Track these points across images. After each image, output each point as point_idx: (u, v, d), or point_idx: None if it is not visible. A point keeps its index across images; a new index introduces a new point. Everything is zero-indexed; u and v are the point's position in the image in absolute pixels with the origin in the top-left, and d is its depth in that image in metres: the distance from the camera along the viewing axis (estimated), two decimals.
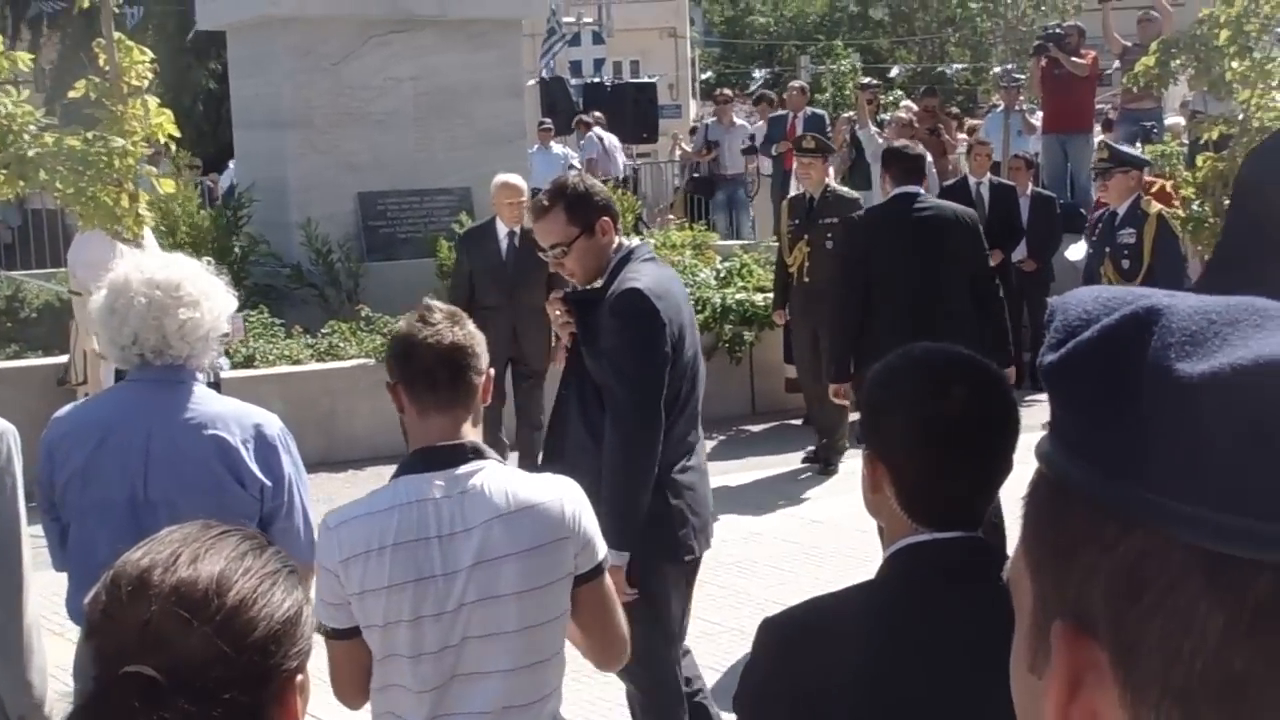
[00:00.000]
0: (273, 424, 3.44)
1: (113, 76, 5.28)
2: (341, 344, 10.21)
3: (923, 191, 7.31)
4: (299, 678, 1.59)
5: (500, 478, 2.85)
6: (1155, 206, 8.08)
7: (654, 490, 4.18)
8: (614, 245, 4.26)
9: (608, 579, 3.01)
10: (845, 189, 10.28)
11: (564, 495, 2.91)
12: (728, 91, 19.27)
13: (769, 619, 2.09)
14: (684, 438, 4.31)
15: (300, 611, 1.61)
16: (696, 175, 17.95)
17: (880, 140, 13.35)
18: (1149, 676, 0.67)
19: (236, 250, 11.51)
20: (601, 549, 2.98)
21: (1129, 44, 13.32)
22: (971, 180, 11.60)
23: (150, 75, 5.44)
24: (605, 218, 4.25)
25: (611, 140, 18.29)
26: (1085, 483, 0.70)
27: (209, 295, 3.39)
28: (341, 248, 11.68)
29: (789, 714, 1.99)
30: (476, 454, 2.86)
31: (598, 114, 18.59)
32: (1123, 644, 0.68)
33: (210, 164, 18.41)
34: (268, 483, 3.36)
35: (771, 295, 10.45)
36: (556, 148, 18.13)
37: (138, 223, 5.29)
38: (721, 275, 11.68)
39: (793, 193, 10.44)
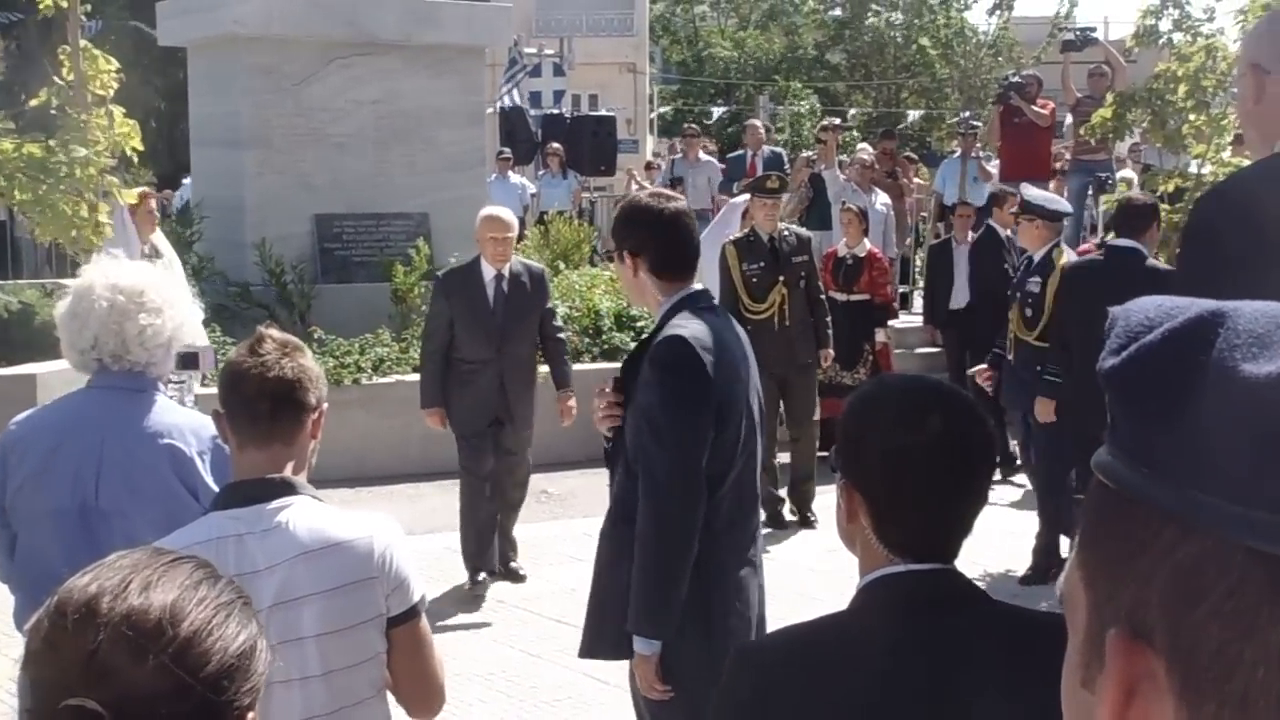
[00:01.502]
0: None
1: (77, 85, 5.24)
2: None
3: (1143, 248, 7.11)
4: (250, 716, 1.52)
5: (308, 514, 2.71)
6: (1064, 259, 8.07)
7: (693, 575, 3.63)
8: (658, 286, 3.75)
9: (423, 623, 2.84)
10: (798, 227, 10.12)
11: (375, 533, 2.75)
12: (694, 126, 19.32)
13: (743, 647, 2.08)
14: (733, 521, 3.75)
15: (255, 645, 1.53)
16: None
17: (842, 180, 13.41)
18: (1206, 685, 0.66)
19: (189, 267, 11.41)
20: (417, 591, 2.81)
21: (1081, 95, 13.49)
22: (1002, 232, 10.86)
23: (115, 85, 5.39)
24: (632, 252, 3.78)
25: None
26: (1144, 487, 0.69)
27: (172, 304, 3.37)
28: (295, 269, 11.61)
29: None
30: (288, 489, 2.72)
31: (556, 145, 18.60)
32: (1179, 652, 0.67)
33: (165, 182, 18.29)
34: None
35: None
36: (514, 177, 18.12)
37: (97, 233, 5.23)
38: None
39: (734, 234, 10.05)
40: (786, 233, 9.38)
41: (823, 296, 9.54)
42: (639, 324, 11.58)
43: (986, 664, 1.97)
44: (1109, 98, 9.32)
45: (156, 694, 1.42)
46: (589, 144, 19.15)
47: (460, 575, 7.68)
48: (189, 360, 3.58)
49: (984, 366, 8.45)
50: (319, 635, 2.67)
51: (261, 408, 2.71)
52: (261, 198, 11.94)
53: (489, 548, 7.78)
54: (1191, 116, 8.22)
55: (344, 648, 2.71)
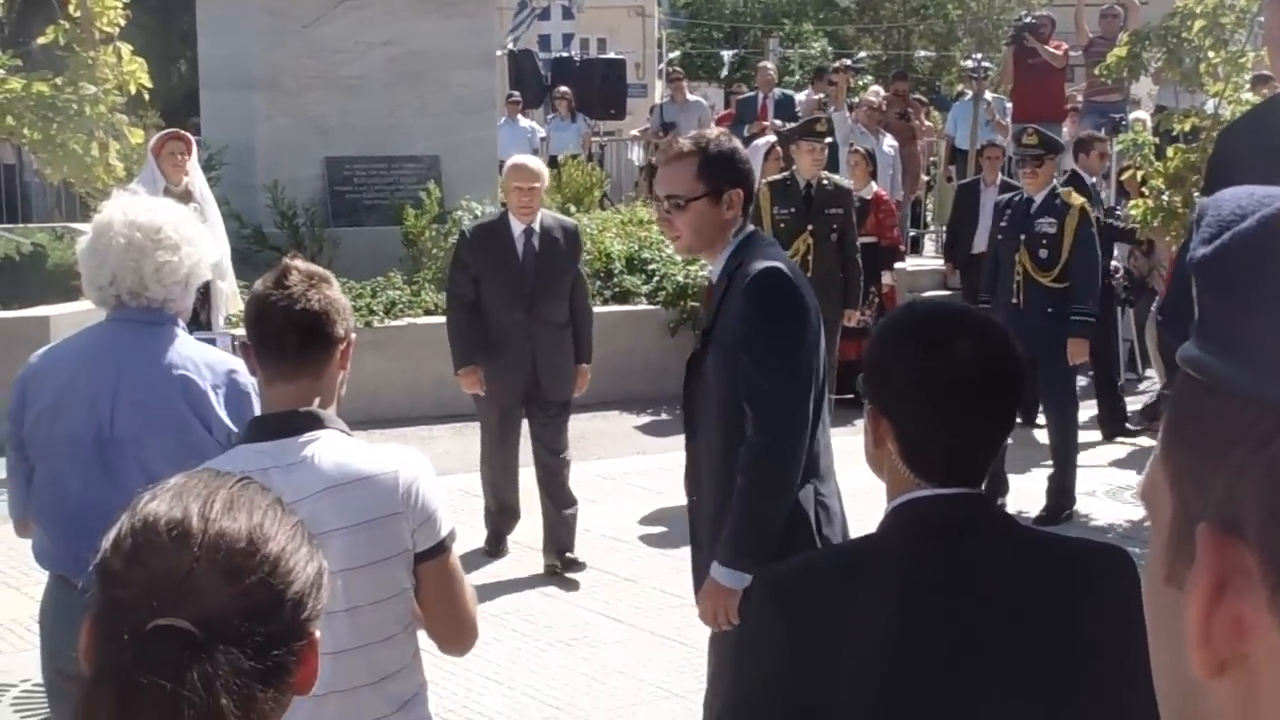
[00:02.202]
0: (245, 371, 3.39)
1: (84, 23, 5.20)
2: None
3: None
4: (315, 635, 1.54)
5: (336, 448, 2.69)
6: (1077, 199, 8.03)
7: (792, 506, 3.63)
8: (735, 226, 3.76)
9: (453, 558, 2.81)
10: (840, 177, 9.73)
11: (401, 467, 2.72)
12: (678, 69, 19.20)
13: (766, 572, 2.08)
14: (826, 445, 3.79)
15: (322, 567, 1.56)
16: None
17: (850, 122, 13.34)
18: None
19: None
20: (445, 525, 2.78)
21: (1094, 36, 13.39)
22: (1089, 179, 10.26)
23: (122, 22, 5.34)
24: (739, 189, 3.75)
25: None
26: (1238, 378, 0.68)
27: (190, 241, 3.38)
28: (307, 212, 11.58)
29: (787, 664, 1.97)
30: (315, 423, 2.69)
31: (565, 89, 18.50)
32: (1275, 544, 0.66)
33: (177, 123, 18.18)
34: (236, 430, 3.32)
35: None
36: (524, 121, 18.03)
37: (108, 172, 5.21)
38: None
39: (771, 176, 9.73)
40: (826, 182, 9.10)
41: (858, 255, 9.25)
42: (650, 267, 11.57)
43: (1012, 589, 1.97)
44: (1123, 37, 9.23)
45: (248, 612, 1.43)
46: (598, 87, 19.03)
47: (473, 516, 7.70)
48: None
49: None
50: (344, 570, 2.59)
51: (289, 340, 2.68)
52: (272, 140, 11.89)
53: (511, 509, 7.41)
54: (1210, 54, 8.14)
55: (370, 583, 2.68)
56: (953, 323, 2.07)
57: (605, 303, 11.12)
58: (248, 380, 3.37)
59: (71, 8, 5.41)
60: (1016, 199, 8.26)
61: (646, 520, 7.88)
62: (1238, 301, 0.69)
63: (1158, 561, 0.74)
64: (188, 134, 8.62)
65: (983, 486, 2.06)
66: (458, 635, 2.87)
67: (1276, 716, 0.67)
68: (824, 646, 1.96)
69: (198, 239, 3.41)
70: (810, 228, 8.89)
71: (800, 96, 15.71)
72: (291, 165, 11.76)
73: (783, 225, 8.85)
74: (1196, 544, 0.69)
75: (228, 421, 3.33)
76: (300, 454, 2.66)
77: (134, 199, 3.47)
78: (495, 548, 7.35)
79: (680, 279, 11.20)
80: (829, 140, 9.06)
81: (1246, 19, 7.97)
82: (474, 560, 7.13)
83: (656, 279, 11.42)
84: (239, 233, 11.47)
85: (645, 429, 10.46)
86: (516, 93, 18.48)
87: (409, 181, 12.09)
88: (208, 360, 3.41)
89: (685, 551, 7.27)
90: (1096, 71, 10.34)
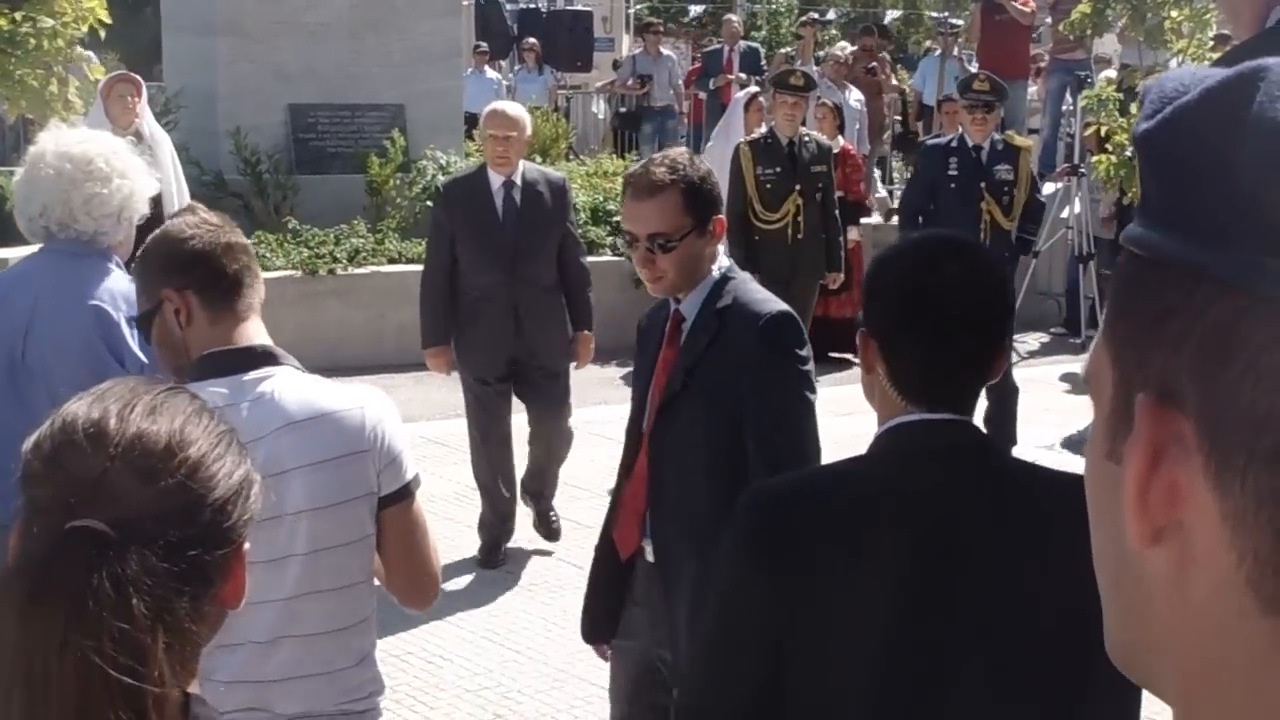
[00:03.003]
0: None
1: None
2: (269, 255, 10.05)
3: None
4: (245, 547, 1.52)
5: (294, 384, 2.60)
6: (1023, 141, 8.12)
7: None
8: (716, 256, 3.44)
9: (417, 505, 2.68)
10: (819, 134, 9.39)
11: (366, 405, 2.62)
12: (656, 21, 19.10)
13: (754, 488, 2.10)
14: None
15: (250, 475, 1.54)
16: (624, 110, 17.73)
17: (818, 78, 13.30)
18: (1237, 443, 0.65)
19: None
20: (410, 469, 2.66)
21: None
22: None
23: None
24: (720, 214, 3.45)
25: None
26: (1179, 250, 0.68)
27: (123, 174, 3.33)
28: (270, 159, 11.47)
29: (769, 612, 1.98)
30: (270, 359, 2.62)
31: (532, 40, 18.38)
32: (1211, 411, 0.66)
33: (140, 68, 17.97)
34: (148, 363, 3.27)
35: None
36: (490, 72, 17.91)
37: (67, 108, 5.15)
38: None
39: (751, 134, 9.34)
40: (807, 138, 8.75)
41: (837, 213, 8.98)
42: (615, 219, 11.54)
43: (996, 515, 2.00)
44: None
45: (164, 515, 1.42)
46: (565, 39, 18.91)
47: (438, 465, 7.69)
48: None
49: None
50: (306, 511, 2.55)
51: (243, 276, 2.63)
52: (235, 86, 11.76)
53: (509, 519, 6.77)
54: (1173, 12, 8.17)
55: (333, 525, 2.58)
56: (942, 246, 2.11)
57: None
58: None
59: None
60: (953, 144, 8.13)
61: (609, 469, 7.88)
62: (1179, 173, 0.69)
63: (1099, 439, 0.75)
64: (136, 76, 8.51)
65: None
66: (420, 586, 2.74)
67: (1208, 581, 0.67)
68: (813, 558, 1.96)
69: (132, 172, 3.35)
70: (798, 187, 8.52)
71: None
72: (254, 112, 11.65)
73: (769, 186, 8.50)
74: (1135, 415, 0.69)
75: (139, 355, 3.28)
76: (257, 390, 2.57)
77: (69, 131, 3.43)
78: (491, 558, 6.62)
79: None
80: (808, 94, 8.71)
81: None
82: (438, 509, 7.14)
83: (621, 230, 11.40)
84: (199, 179, 11.35)
85: (608, 380, 10.46)
86: (484, 43, 18.35)
87: (373, 130, 12.00)
88: (126, 293, 3.32)
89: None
90: (1060, 28, 10.35)
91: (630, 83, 17.44)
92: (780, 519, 2.02)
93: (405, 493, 2.66)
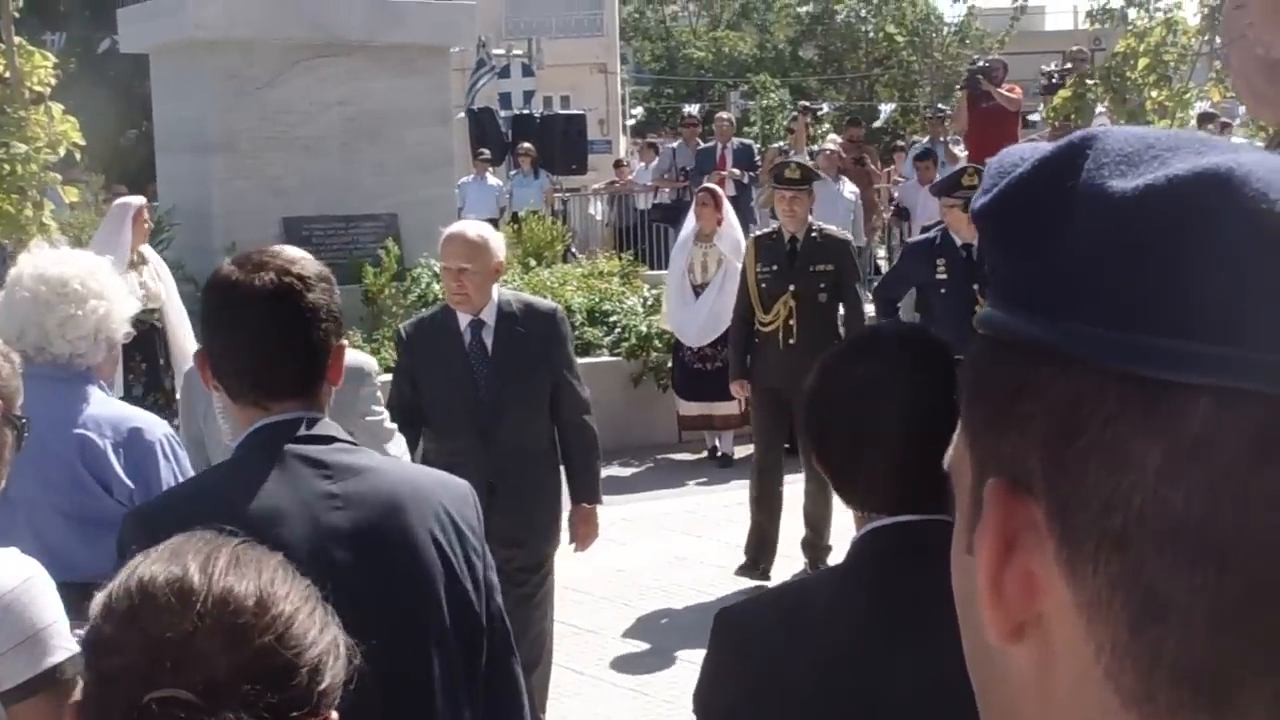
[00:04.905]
0: (155, 429, 3.30)
1: (14, 82, 5.19)
2: None
3: None
4: (334, 717, 1.37)
5: None
6: None
7: None
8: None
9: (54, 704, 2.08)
10: (835, 228, 8.34)
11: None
12: (694, 115, 19.03)
13: (727, 608, 2.05)
14: None
15: (338, 638, 1.39)
16: (662, 203, 17.31)
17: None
18: (1086, 524, 0.62)
19: None
20: (59, 652, 2.16)
21: (1056, 76, 13.51)
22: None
23: (53, 81, 5.34)
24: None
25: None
26: (1022, 327, 0.65)
27: (99, 295, 3.30)
28: None
29: (749, 699, 1.93)
30: None
31: (527, 145, 18.56)
32: (1059, 492, 0.63)
33: (136, 188, 18.18)
34: (137, 489, 3.23)
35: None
36: (492, 179, 18.07)
37: (42, 231, 5.19)
38: (649, 303, 11.74)
39: (764, 229, 8.82)
40: (815, 233, 7.79)
41: (862, 309, 7.95)
42: (611, 319, 11.58)
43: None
44: (1069, 80, 9.33)
45: (257, 677, 1.28)
46: (559, 143, 19.14)
47: None
48: None
49: None
50: None
51: None
52: (230, 203, 11.87)
53: None
54: (1153, 93, 8.23)
55: None
56: (860, 345, 2.06)
57: None
58: (154, 437, 3.28)
59: (1, 68, 5.38)
60: (938, 242, 7.56)
61: (607, 571, 7.83)
62: (1017, 248, 0.67)
63: (960, 532, 0.72)
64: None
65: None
66: None
67: (1069, 673, 0.64)
68: (788, 672, 1.92)
69: (109, 292, 3.33)
70: (792, 288, 7.63)
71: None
72: (249, 227, 11.72)
73: (763, 286, 7.75)
74: (985, 501, 0.66)
75: (126, 480, 3.22)
76: None
77: (47, 252, 3.42)
78: None
79: (643, 329, 11.23)
80: (807, 186, 7.85)
81: (1189, 55, 8.07)
82: None
83: (618, 330, 11.43)
84: (195, 295, 11.42)
85: (614, 482, 10.41)
86: (485, 150, 18.53)
87: (367, 240, 12.09)
88: (111, 418, 3.30)
89: (647, 602, 7.27)
90: (1046, 114, 10.44)
91: (666, 175, 17.12)
92: (748, 632, 2.00)
93: (32, 687, 2.12)
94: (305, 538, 2.13)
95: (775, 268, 7.70)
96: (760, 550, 7.57)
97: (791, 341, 7.56)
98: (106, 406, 3.36)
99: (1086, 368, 0.62)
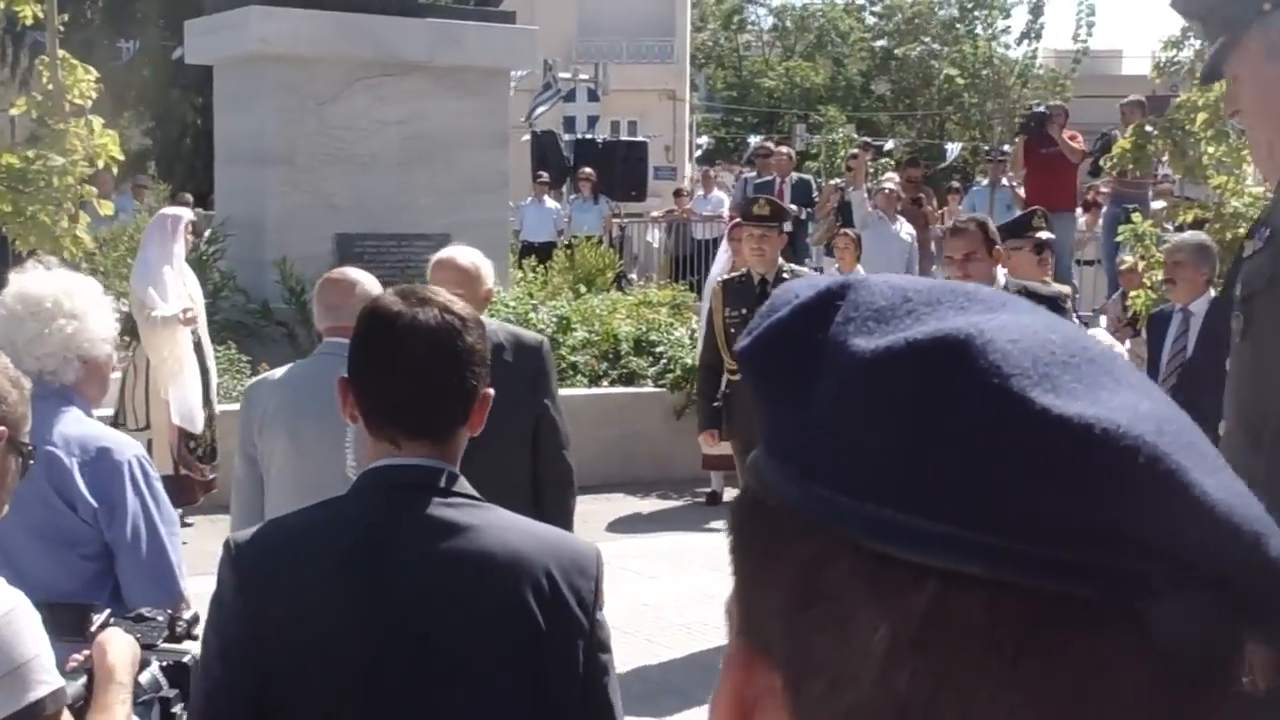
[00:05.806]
0: (124, 450, 3.28)
1: (56, 95, 5.24)
2: None
3: None
4: None
5: None
6: (1057, 287, 7.76)
7: None
8: None
9: None
10: (803, 269, 8.22)
11: None
12: (767, 145, 18.93)
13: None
14: None
15: None
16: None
17: (869, 208, 13.27)
18: (818, 700, 0.58)
19: (210, 285, 11.45)
20: (40, 687, 2.09)
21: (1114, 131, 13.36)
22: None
23: (94, 95, 5.39)
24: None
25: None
26: (774, 483, 0.61)
27: (71, 314, 3.29)
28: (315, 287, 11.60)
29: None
30: None
31: (588, 170, 18.60)
32: (794, 663, 0.59)
33: (201, 199, 18.41)
34: (101, 509, 3.22)
35: None
36: (550, 202, 18.12)
37: (76, 244, 5.23)
38: (694, 334, 11.70)
39: (730, 273, 8.20)
40: (787, 274, 7.21)
41: None
42: (657, 349, 11.54)
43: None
44: (1130, 129, 9.20)
45: None
46: (620, 169, 19.15)
47: None
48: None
49: None
50: None
51: None
52: (284, 216, 11.97)
53: None
54: (1209, 149, 8.08)
55: None
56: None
57: (612, 384, 11.26)
58: (123, 458, 3.27)
59: (44, 81, 5.45)
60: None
61: (638, 607, 7.77)
62: (772, 397, 0.62)
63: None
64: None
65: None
66: None
67: None
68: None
69: (83, 313, 3.30)
70: None
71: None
72: (302, 241, 11.82)
73: (733, 331, 7.23)
74: (723, 664, 0.62)
75: (90, 499, 3.21)
76: None
77: (40, 271, 3.42)
78: None
79: (688, 361, 11.16)
80: (777, 224, 7.29)
81: None
82: None
83: (664, 361, 11.39)
84: (245, 307, 11.52)
85: (650, 514, 10.36)
86: (545, 173, 18.60)
87: (419, 259, 12.11)
88: (81, 437, 3.28)
89: (670, 638, 7.19)
90: (1103, 164, 10.30)
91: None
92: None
93: (30, 717, 2.09)
94: (374, 588, 2.12)
95: (744, 311, 7.12)
96: None
97: None
98: (78, 425, 3.32)
99: (827, 533, 0.58)
